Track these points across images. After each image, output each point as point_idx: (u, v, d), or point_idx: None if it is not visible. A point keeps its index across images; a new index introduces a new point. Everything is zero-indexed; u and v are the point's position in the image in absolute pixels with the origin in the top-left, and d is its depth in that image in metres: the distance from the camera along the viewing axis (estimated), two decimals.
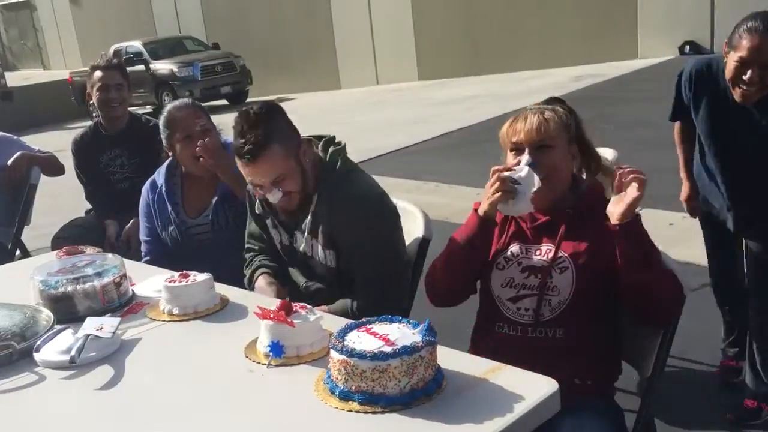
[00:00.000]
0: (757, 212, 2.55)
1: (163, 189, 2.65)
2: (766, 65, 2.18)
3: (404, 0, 15.40)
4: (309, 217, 2.12)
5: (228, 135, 2.74)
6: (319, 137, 2.22)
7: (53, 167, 3.68)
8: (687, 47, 11.93)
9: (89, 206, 3.70)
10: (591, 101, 9.30)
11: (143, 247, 2.74)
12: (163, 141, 2.66)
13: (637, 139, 6.57)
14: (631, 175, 1.68)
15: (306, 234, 2.14)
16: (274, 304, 1.63)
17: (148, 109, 16.07)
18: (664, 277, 1.70)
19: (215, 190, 2.60)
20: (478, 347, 1.85)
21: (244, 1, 18.34)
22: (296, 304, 1.67)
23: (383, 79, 16.08)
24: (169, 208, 2.62)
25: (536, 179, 1.75)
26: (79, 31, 24.27)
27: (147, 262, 2.69)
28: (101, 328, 1.71)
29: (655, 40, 12.32)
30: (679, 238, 4.12)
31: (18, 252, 3.59)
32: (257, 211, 2.27)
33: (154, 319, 1.89)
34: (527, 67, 13.41)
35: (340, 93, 15.99)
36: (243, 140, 1.99)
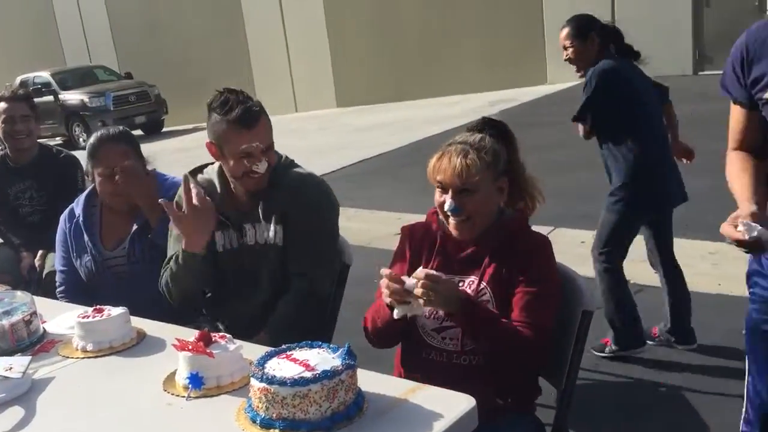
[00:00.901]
0: None
1: (81, 219, 2.59)
2: None
3: (320, 27, 15.53)
4: (261, 203, 2.21)
5: (155, 165, 2.71)
6: None
7: None
8: None
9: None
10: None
11: (58, 277, 2.66)
12: (86, 166, 2.60)
13: (548, 161, 6.80)
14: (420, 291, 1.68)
15: (260, 220, 2.22)
16: (192, 335, 1.62)
17: (58, 140, 15.55)
18: (505, 350, 1.74)
19: (133, 222, 2.55)
20: (407, 370, 1.89)
21: (156, 30, 18.06)
22: (215, 334, 1.66)
23: (302, 107, 16.10)
24: (86, 238, 2.56)
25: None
26: None
27: (61, 292, 2.62)
28: (10, 368, 1.65)
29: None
30: (589, 255, 4.30)
31: None
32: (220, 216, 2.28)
33: (67, 357, 1.84)
34: (444, 93, 13.72)
35: None
36: (243, 106, 2.10)
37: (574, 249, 4.40)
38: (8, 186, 3.45)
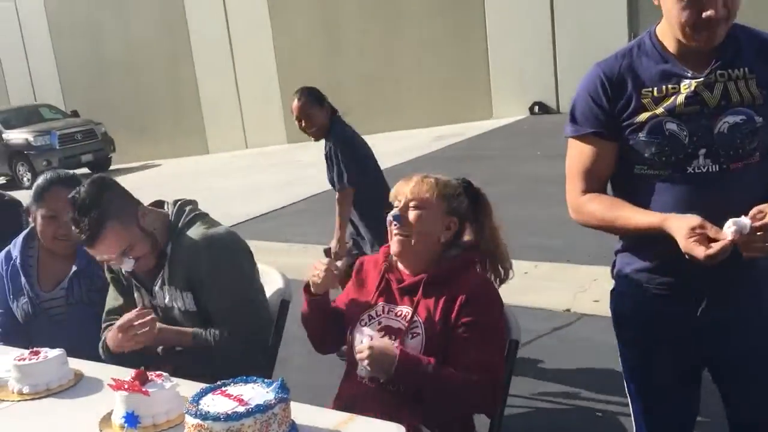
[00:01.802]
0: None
1: (18, 261, 2.57)
2: None
3: (269, 63, 15.59)
4: (165, 267, 2.19)
5: None
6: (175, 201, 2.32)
7: None
8: (536, 107, 12.85)
9: None
10: (450, 161, 9.78)
11: None
12: (29, 207, 2.59)
13: (498, 193, 6.95)
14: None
15: (166, 285, 2.19)
16: (129, 374, 1.64)
17: (1, 180, 15.21)
18: (457, 401, 1.84)
19: (72, 264, 2.55)
20: (341, 394, 1.96)
21: (103, 68, 17.88)
22: (152, 372, 1.68)
23: (252, 143, 16.08)
24: (23, 280, 2.54)
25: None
26: None
27: None
28: None
29: (507, 101, 13.18)
30: (532, 286, 4.41)
31: None
32: (123, 278, 2.30)
33: (3, 400, 1.83)
34: (392, 128, 13.90)
35: (209, 158, 15.83)
36: (78, 229, 2.06)
37: (517, 280, 4.50)
38: None
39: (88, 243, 2.07)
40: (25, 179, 14.60)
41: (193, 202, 2.31)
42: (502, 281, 2.04)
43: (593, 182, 1.75)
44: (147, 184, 12.10)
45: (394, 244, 1.96)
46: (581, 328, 3.66)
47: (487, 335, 1.84)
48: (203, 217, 2.27)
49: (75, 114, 16.59)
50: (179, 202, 2.28)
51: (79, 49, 18.33)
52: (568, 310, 4.13)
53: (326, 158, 3.92)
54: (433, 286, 1.91)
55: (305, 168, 11.65)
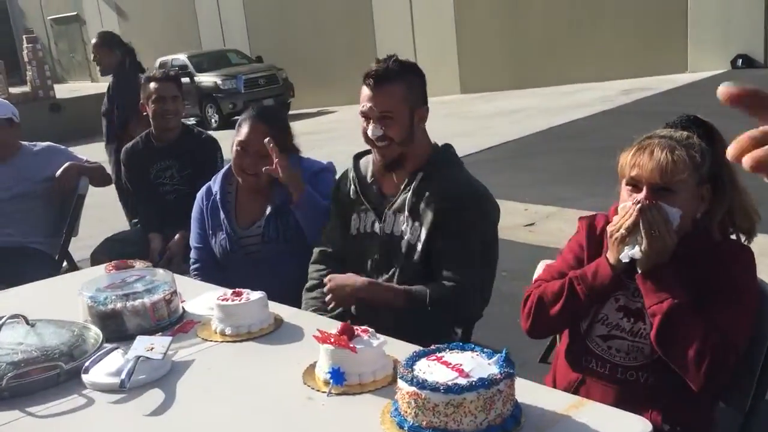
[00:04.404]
0: None
1: (218, 197, 2.58)
2: None
3: (447, 13, 15.32)
4: (410, 193, 2.10)
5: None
6: None
7: (101, 178, 3.67)
8: (740, 61, 11.62)
9: (134, 219, 3.67)
10: (640, 116, 9.08)
11: (193, 254, 2.68)
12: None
13: None
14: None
15: (405, 212, 2.10)
16: (334, 327, 1.53)
17: (192, 120, 16.22)
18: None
19: (269, 202, 2.52)
20: (562, 377, 1.72)
21: (287, 14, 18.45)
22: (358, 327, 1.57)
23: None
24: (222, 216, 2.55)
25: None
26: None
27: (195, 270, 2.63)
28: (152, 349, 1.62)
29: (706, 53, 12.02)
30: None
31: (65, 264, 3.56)
32: (352, 196, 2.25)
33: (206, 340, 1.79)
34: (573, 80, 13.19)
35: None
36: (378, 64, 2.04)
37: None
38: (151, 165, 3.53)
39: (374, 82, 2.04)
40: (213, 120, 15.46)
41: (452, 147, 2.24)
42: (749, 236, 1.67)
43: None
44: (325, 129, 12.32)
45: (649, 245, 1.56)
46: None
47: (736, 310, 1.54)
48: (462, 165, 2.19)
49: (259, 59, 17.25)
50: (445, 144, 2.22)
51: None
52: None
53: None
54: (685, 261, 1.59)
55: (482, 119, 11.36)
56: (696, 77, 11.55)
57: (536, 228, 5.38)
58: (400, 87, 2.05)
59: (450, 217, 2.03)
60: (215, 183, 2.62)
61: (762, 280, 1.64)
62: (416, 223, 2.08)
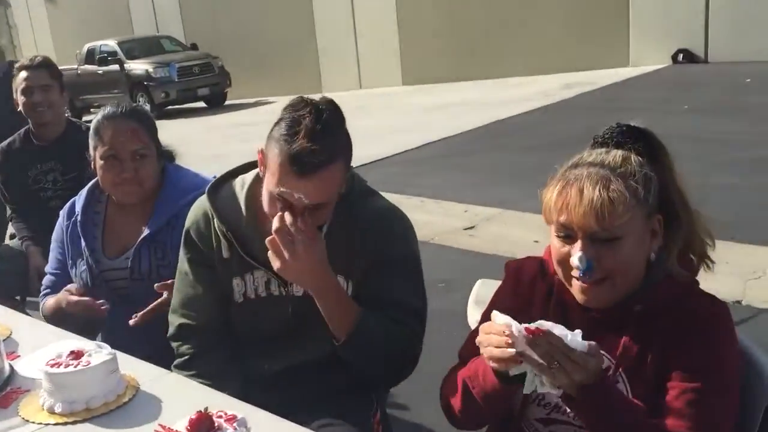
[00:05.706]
0: None
1: (79, 218, 2.09)
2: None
3: (389, 3, 14.95)
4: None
5: (180, 157, 2.22)
6: None
7: None
8: (680, 55, 11.58)
9: (11, 231, 3.19)
10: (581, 111, 8.87)
11: (46, 281, 2.15)
12: (88, 153, 2.13)
13: None
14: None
15: None
16: (185, 421, 1.12)
17: (68, 114, 15.44)
18: None
19: (144, 227, 2.05)
20: None
21: (223, 1, 17.80)
22: (222, 413, 1.16)
23: (366, 83, 15.59)
24: (83, 242, 2.07)
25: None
26: (54, 30, 23.49)
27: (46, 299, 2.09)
28: None
29: (648, 47, 11.94)
30: None
31: None
32: (225, 256, 1.67)
33: (28, 421, 1.36)
34: (514, 73, 12.99)
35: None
36: (309, 144, 1.45)
37: None
38: (30, 167, 3.06)
39: (311, 170, 1.45)
40: None
41: (353, 168, 1.66)
42: (707, 264, 1.33)
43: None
44: (260, 121, 11.80)
45: (584, 295, 1.25)
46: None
47: (713, 396, 1.18)
48: (371, 191, 1.71)
49: (194, 47, 16.63)
50: (349, 174, 1.64)
51: None
52: (739, 302, 3.40)
53: None
54: (641, 320, 1.25)
55: (422, 113, 11.04)
56: (638, 71, 11.46)
57: (477, 232, 5.07)
58: (338, 165, 1.52)
59: (376, 258, 1.60)
60: (80, 199, 2.14)
61: (744, 343, 1.29)
62: (339, 277, 1.61)
